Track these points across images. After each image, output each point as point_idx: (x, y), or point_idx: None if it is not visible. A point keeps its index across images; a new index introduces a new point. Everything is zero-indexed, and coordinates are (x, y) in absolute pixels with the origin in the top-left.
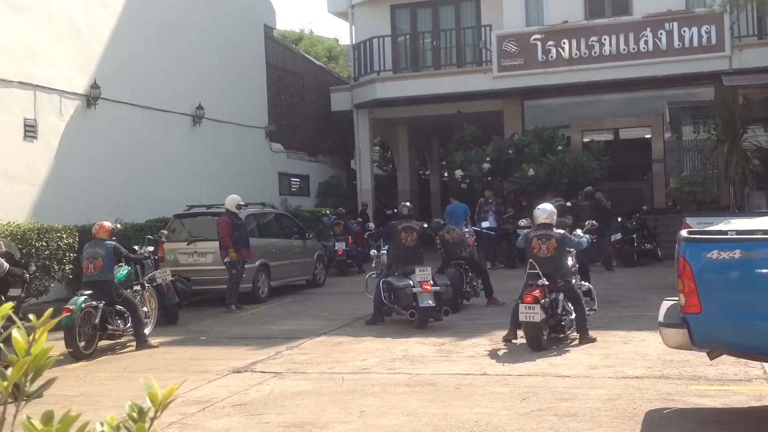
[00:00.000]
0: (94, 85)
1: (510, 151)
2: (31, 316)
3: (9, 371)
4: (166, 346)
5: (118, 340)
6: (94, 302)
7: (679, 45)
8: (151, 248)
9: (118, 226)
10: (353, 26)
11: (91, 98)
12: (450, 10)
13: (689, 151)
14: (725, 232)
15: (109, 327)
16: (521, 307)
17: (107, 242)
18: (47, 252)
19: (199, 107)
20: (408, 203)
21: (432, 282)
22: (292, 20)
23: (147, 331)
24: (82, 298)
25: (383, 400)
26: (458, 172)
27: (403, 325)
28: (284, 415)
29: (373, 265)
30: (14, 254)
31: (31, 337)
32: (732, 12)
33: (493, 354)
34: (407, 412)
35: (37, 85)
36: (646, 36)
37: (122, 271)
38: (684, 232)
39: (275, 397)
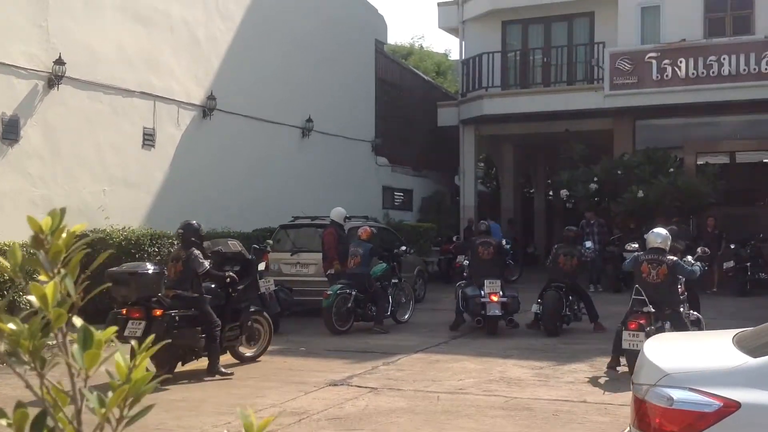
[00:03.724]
0: (211, 97)
1: (619, 172)
2: (133, 342)
3: (108, 396)
4: (267, 355)
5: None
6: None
7: None
8: None
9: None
10: (463, 41)
11: (207, 109)
12: (563, 27)
13: None
14: None
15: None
16: (624, 334)
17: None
18: (158, 257)
19: (309, 120)
20: (486, 221)
21: (500, 293)
22: (403, 34)
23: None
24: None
25: (478, 422)
26: (564, 192)
27: (502, 346)
28: None
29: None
30: (228, 253)
31: (132, 362)
32: None
33: (593, 381)
34: None
35: (156, 96)
36: None
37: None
38: None
39: (370, 413)
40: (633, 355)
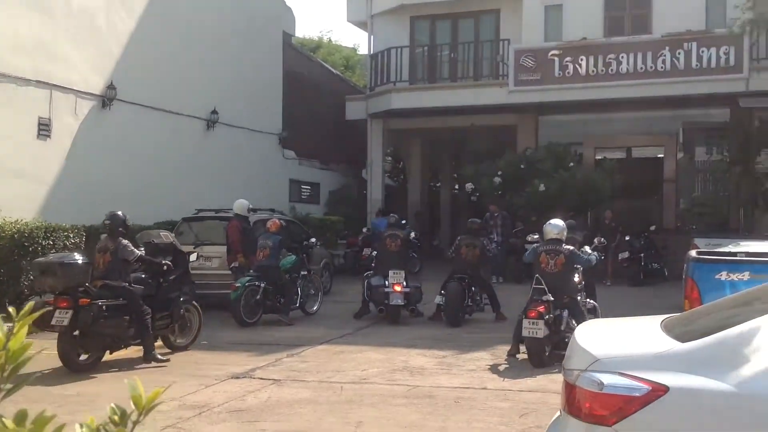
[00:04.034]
0: (111, 86)
1: (522, 166)
2: (11, 309)
3: None
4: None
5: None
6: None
7: (696, 65)
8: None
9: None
10: (372, 36)
11: (107, 99)
12: (469, 23)
13: (701, 172)
14: (735, 254)
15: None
16: (525, 322)
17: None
18: (53, 251)
19: (214, 111)
20: (394, 215)
21: (404, 284)
22: (312, 28)
23: None
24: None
25: (381, 411)
26: (469, 186)
27: (406, 336)
28: (280, 423)
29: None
30: (161, 244)
31: (10, 330)
32: (752, 34)
33: (494, 368)
34: (405, 424)
35: (53, 85)
36: (664, 55)
37: None
38: (693, 253)
39: (272, 405)
40: (533, 343)
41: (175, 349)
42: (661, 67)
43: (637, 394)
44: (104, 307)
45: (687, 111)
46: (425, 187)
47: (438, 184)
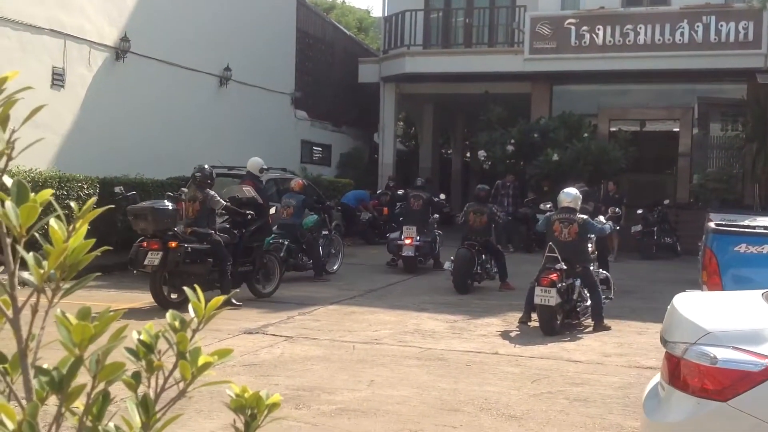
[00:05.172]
0: (125, 38)
1: (535, 135)
2: (73, 204)
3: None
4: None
5: None
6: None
7: (715, 39)
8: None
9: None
10: None
11: (121, 51)
12: None
13: (716, 148)
14: (754, 227)
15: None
16: (537, 289)
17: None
18: (67, 201)
19: (227, 68)
20: (421, 178)
21: (415, 237)
22: None
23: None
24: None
25: (393, 371)
26: (481, 153)
27: (417, 300)
28: (293, 378)
29: None
30: (243, 198)
31: (70, 227)
32: None
33: (505, 335)
34: (417, 384)
35: (67, 34)
36: (683, 28)
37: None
38: (712, 224)
39: (285, 360)
40: (544, 310)
41: (260, 295)
42: (679, 40)
43: (754, 369)
44: (190, 249)
45: (703, 85)
46: (437, 153)
47: (450, 151)
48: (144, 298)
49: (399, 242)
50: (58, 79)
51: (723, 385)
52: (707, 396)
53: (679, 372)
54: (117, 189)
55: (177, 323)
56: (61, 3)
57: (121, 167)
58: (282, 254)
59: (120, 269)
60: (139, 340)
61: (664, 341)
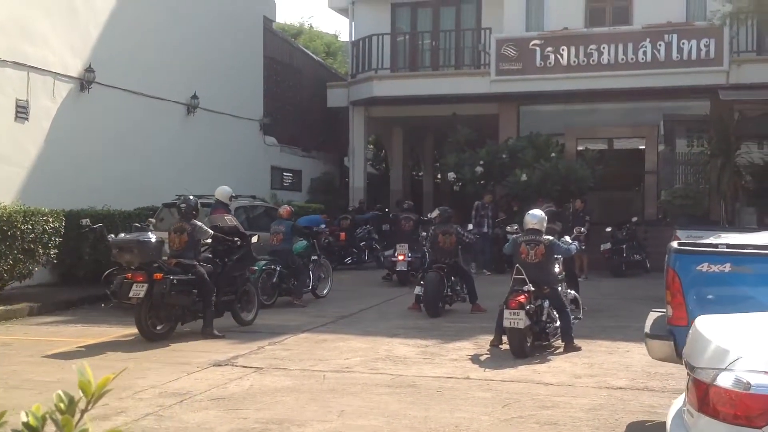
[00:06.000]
0: (89, 69)
1: (504, 156)
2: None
3: None
4: (165, 335)
5: None
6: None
7: (677, 57)
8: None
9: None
10: (353, 23)
11: (85, 82)
12: (451, 11)
13: (682, 164)
14: (716, 246)
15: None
16: (506, 312)
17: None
18: (32, 235)
19: (194, 96)
20: (409, 201)
21: (407, 254)
22: (293, 14)
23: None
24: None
25: (364, 400)
26: (451, 175)
27: (389, 325)
28: (262, 411)
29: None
30: (225, 227)
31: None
32: (732, 26)
33: (476, 358)
34: (387, 413)
35: (31, 66)
36: (645, 47)
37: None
38: (674, 244)
39: (254, 393)
40: (514, 333)
41: (243, 323)
42: (642, 59)
43: None
44: (175, 281)
45: (668, 103)
46: (408, 175)
47: (420, 174)
48: (113, 332)
49: (393, 258)
50: (21, 111)
51: (758, 411)
52: (741, 423)
53: (708, 399)
54: (83, 222)
55: (63, 405)
56: (24, 34)
57: (87, 199)
58: (275, 280)
59: (89, 303)
60: (24, 423)
61: (691, 367)
